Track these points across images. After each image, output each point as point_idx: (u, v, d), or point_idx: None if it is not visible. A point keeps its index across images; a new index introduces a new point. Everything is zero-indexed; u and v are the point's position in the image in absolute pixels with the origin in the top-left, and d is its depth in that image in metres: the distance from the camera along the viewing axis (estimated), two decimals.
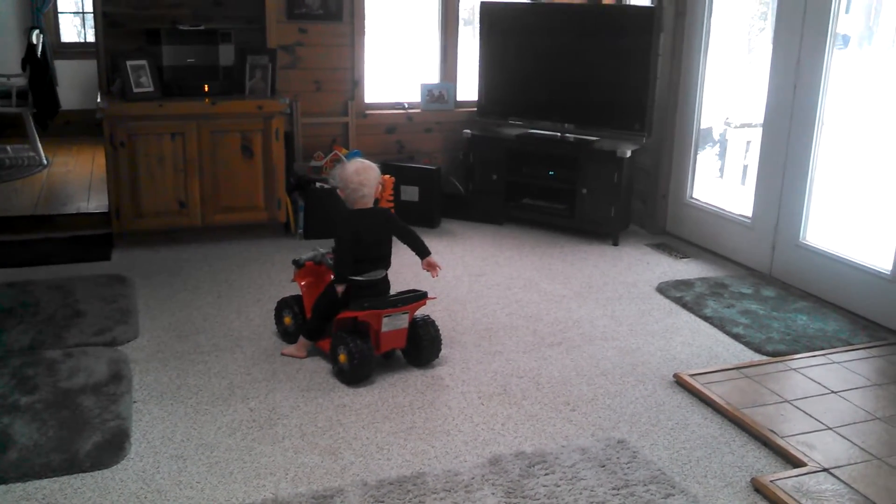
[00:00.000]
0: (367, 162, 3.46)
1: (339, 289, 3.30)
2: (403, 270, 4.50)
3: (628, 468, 2.74)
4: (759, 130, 4.70)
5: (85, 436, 2.82)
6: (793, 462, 2.81)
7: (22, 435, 2.81)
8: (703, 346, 3.75)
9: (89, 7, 7.49)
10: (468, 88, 5.86)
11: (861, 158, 4.59)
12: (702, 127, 5.23)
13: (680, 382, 3.36)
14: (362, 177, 3.38)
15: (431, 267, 3.47)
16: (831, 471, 2.74)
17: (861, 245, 4.20)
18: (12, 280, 4.23)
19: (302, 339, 3.49)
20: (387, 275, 3.47)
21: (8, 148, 6.87)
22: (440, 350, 3.47)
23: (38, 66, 6.22)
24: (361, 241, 3.34)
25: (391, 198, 5.16)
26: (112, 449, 2.75)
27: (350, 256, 3.31)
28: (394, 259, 3.50)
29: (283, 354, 3.50)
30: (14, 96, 6.32)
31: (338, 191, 3.43)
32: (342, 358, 3.24)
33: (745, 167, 5.42)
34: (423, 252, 3.47)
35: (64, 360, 3.37)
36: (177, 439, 2.86)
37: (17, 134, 6.85)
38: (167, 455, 2.76)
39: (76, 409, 2.99)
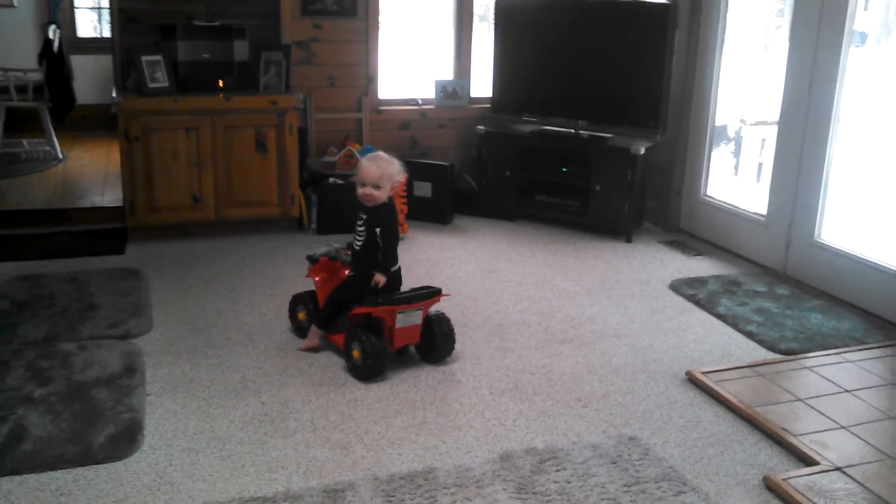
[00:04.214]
0: (371, 154, 3.49)
1: (382, 280, 3.32)
2: (416, 266, 4.51)
3: (640, 465, 2.73)
4: (775, 128, 4.67)
5: (98, 428, 2.83)
6: (806, 461, 2.79)
7: (36, 427, 2.82)
8: (715, 343, 3.74)
9: (105, 2, 7.52)
10: (482, 85, 5.85)
11: (877, 157, 4.55)
12: (716, 124, 5.21)
13: (692, 380, 3.35)
14: (395, 162, 3.42)
15: None
16: (844, 470, 2.72)
17: (876, 244, 4.17)
18: (27, 273, 4.26)
19: (314, 329, 3.50)
20: (399, 267, 3.48)
21: (24, 142, 6.92)
22: (454, 347, 3.46)
23: (55, 61, 6.25)
24: None
25: (404, 194, 5.16)
26: (125, 441, 2.77)
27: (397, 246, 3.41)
28: (407, 255, 3.51)
29: (298, 350, 3.51)
30: (30, 90, 6.36)
31: (390, 190, 3.38)
32: (356, 354, 3.25)
33: (760, 165, 5.39)
34: None
35: (78, 352, 3.39)
36: (189, 432, 2.87)
37: (33, 128, 6.87)
38: (180, 448, 2.77)
39: (90, 401, 3.01)
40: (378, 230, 3.33)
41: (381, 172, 3.34)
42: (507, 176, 5.51)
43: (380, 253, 3.35)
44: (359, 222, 3.41)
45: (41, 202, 5.35)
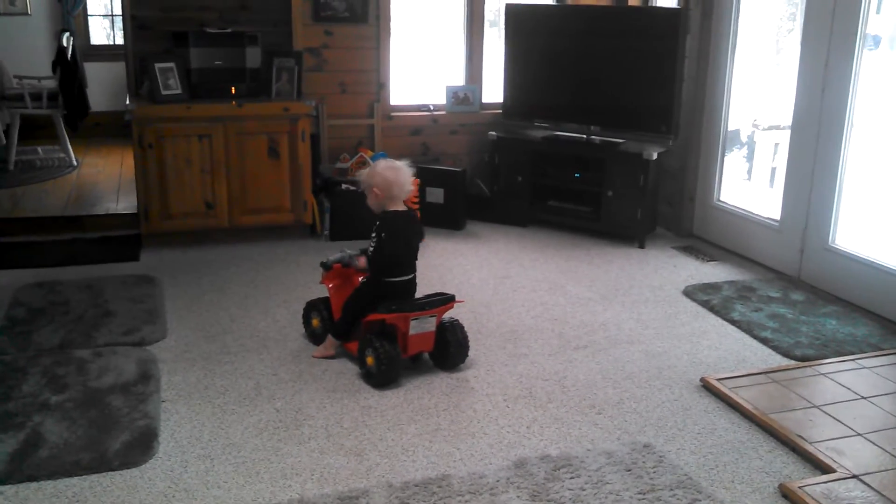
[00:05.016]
0: (394, 161, 3.48)
1: (362, 262, 3.41)
2: (429, 273, 4.51)
3: (654, 472, 2.73)
4: (788, 132, 4.66)
5: (114, 435, 2.85)
6: (822, 468, 2.78)
7: (52, 433, 2.84)
8: (730, 350, 3.72)
9: (118, 10, 7.57)
10: (493, 90, 5.86)
11: (892, 161, 4.53)
12: (729, 129, 5.19)
13: (707, 387, 3.34)
14: (399, 174, 3.38)
15: None
16: (861, 477, 2.71)
17: (892, 248, 4.14)
18: (43, 280, 4.29)
19: (330, 338, 3.51)
20: (414, 276, 3.47)
21: (39, 149, 6.97)
22: (467, 354, 3.46)
23: (68, 69, 6.30)
24: (401, 242, 3.36)
25: (416, 199, 5.17)
26: (140, 448, 2.78)
27: (388, 258, 3.34)
28: (420, 262, 3.51)
29: (313, 357, 3.52)
30: (45, 98, 6.41)
31: (373, 191, 3.35)
32: (370, 361, 3.25)
33: (774, 169, 5.37)
34: None
35: (93, 359, 3.41)
36: (204, 439, 2.88)
37: (47, 135, 6.94)
38: (195, 454, 2.78)
39: (105, 408, 3.02)
40: (383, 234, 3.34)
41: (384, 178, 3.36)
42: (520, 181, 5.51)
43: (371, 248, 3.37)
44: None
45: (56, 209, 5.39)
